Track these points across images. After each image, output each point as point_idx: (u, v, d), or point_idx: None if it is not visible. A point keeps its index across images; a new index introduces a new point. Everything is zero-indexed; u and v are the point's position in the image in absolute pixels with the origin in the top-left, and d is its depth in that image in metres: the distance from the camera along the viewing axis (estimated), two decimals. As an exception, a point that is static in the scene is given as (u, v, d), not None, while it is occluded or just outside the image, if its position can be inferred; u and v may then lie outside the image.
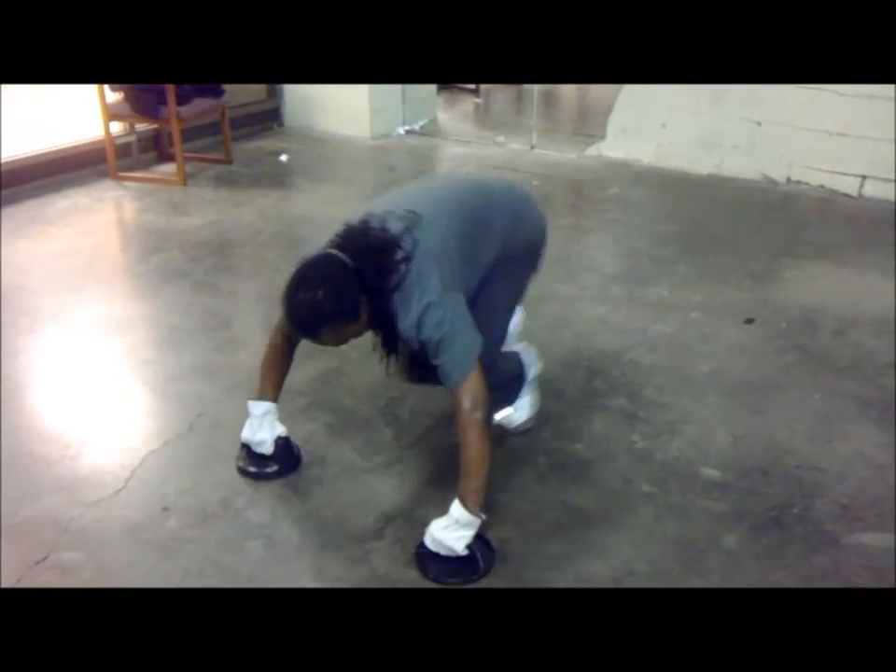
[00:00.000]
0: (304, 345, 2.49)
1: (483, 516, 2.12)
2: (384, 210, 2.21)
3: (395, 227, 2.14)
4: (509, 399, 2.68)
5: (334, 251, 2.10)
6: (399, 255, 2.09)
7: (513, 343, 2.71)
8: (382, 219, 2.17)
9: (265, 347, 2.47)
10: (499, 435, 2.69)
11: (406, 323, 2.10)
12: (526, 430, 2.71)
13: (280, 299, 2.10)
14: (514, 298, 2.54)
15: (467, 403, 2.08)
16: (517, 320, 2.70)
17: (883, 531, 2.31)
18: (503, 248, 2.36)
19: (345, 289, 2.05)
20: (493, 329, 2.40)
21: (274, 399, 2.49)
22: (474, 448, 2.09)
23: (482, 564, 2.13)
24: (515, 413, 2.70)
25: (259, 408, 2.47)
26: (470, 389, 2.09)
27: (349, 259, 2.08)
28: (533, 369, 2.72)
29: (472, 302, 2.32)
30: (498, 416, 2.65)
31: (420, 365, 2.26)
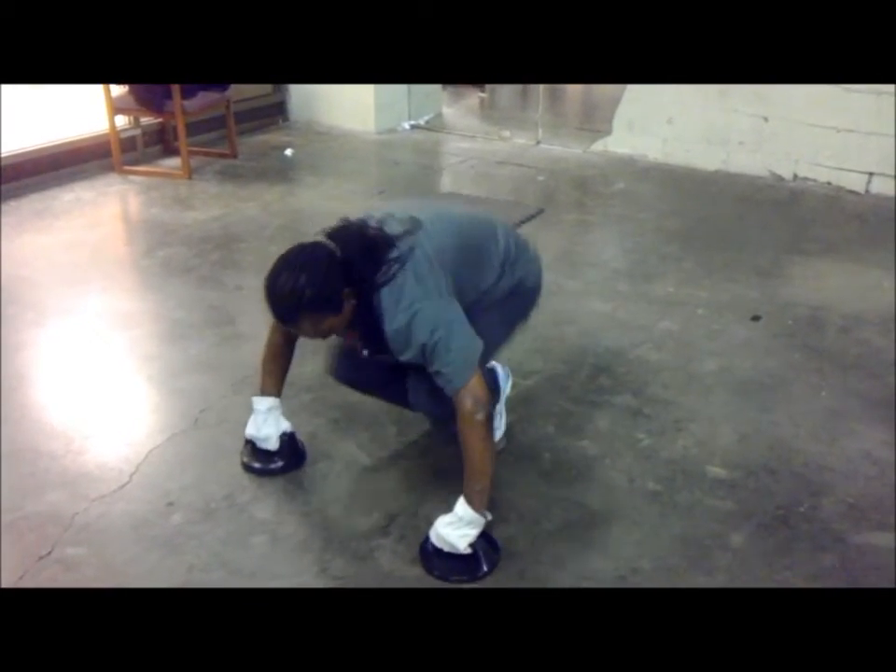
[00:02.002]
0: (310, 341, 2.49)
1: (489, 516, 2.12)
2: (384, 213, 2.19)
3: (393, 228, 2.12)
4: None
5: (323, 240, 2.08)
6: (393, 253, 2.06)
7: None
8: (380, 220, 2.15)
9: (265, 343, 2.46)
10: (503, 433, 2.68)
11: (394, 327, 2.04)
12: (498, 452, 2.44)
13: (264, 282, 2.06)
14: (505, 332, 2.43)
15: (468, 406, 2.04)
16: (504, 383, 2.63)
17: (890, 530, 2.30)
18: (498, 280, 2.29)
19: (329, 279, 2.01)
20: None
21: (278, 395, 2.48)
22: (478, 450, 2.07)
23: (484, 563, 2.13)
24: None
25: (264, 403, 2.46)
26: (471, 392, 2.05)
27: (339, 249, 2.05)
28: (507, 387, 2.65)
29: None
30: None
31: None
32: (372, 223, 2.14)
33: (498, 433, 2.58)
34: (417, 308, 2.03)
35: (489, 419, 2.12)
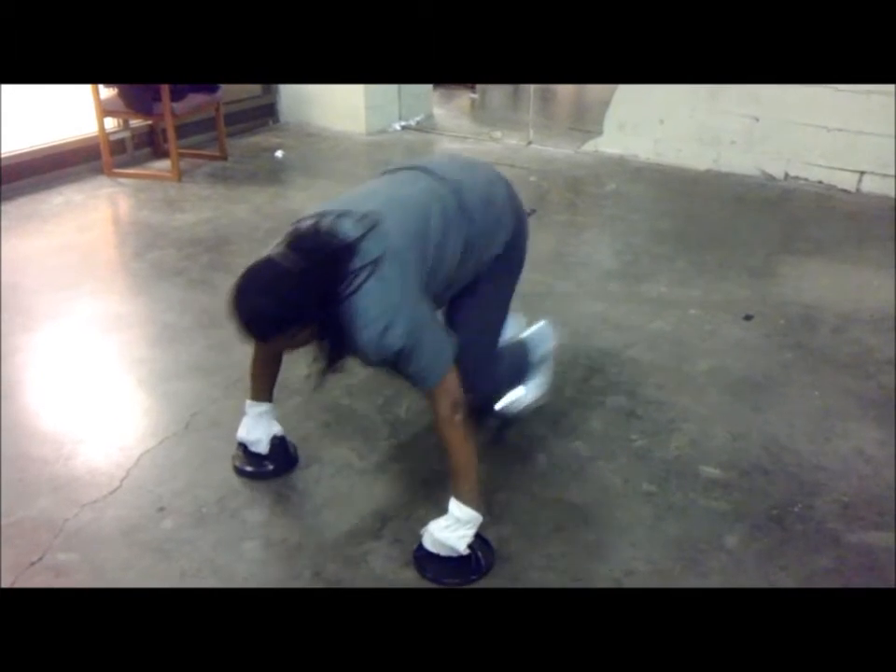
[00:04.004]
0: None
1: (481, 516, 2.11)
2: (340, 211, 2.07)
3: (350, 230, 2.01)
4: (516, 382, 2.69)
5: (277, 256, 1.98)
6: (356, 263, 1.96)
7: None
8: (335, 222, 2.03)
9: (254, 348, 2.40)
10: (498, 433, 2.68)
11: (363, 338, 1.97)
12: (538, 407, 2.74)
13: (227, 304, 2.00)
14: (504, 296, 2.45)
15: (445, 406, 2.03)
16: (517, 329, 2.70)
17: (885, 530, 2.29)
18: (481, 247, 2.25)
19: (288, 295, 1.92)
20: (487, 327, 2.39)
21: (269, 399, 2.47)
22: (460, 451, 2.06)
23: (483, 563, 2.12)
24: (524, 394, 2.72)
25: (256, 408, 2.45)
26: (446, 391, 2.03)
27: (295, 263, 1.94)
28: (543, 347, 2.73)
29: (459, 305, 2.31)
30: (508, 400, 2.67)
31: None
32: (325, 226, 2.02)
33: (537, 391, 2.74)
34: (388, 321, 1.95)
35: (467, 418, 2.07)
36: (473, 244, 2.23)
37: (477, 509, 2.09)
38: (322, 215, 2.07)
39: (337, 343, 2.02)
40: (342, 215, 2.05)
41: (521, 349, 2.68)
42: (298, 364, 2.72)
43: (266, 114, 6.32)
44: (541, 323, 2.80)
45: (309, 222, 2.06)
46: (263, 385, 2.45)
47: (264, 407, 2.45)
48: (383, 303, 1.96)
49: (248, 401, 2.46)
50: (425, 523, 2.15)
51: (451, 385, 2.04)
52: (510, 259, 2.39)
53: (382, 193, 2.21)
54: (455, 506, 2.08)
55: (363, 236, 1.99)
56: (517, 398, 2.71)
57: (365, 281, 1.95)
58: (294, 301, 1.92)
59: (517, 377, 2.70)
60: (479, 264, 2.29)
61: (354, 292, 1.95)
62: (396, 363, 2.03)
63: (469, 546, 2.10)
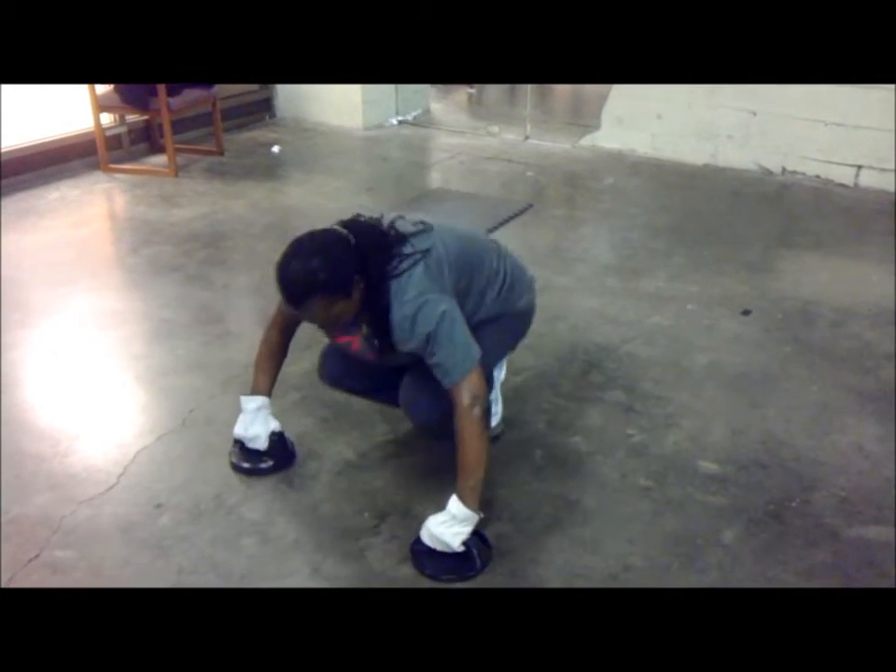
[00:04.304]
0: (300, 338, 2.47)
1: (481, 514, 2.10)
2: (395, 215, 2.23)
3: (405, 227, 2.18)
4: None
5: (337, 227, 2.12)
6: (407, 248, 2.11)
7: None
8: (392, 220, 2.20)
9: (261, 341, 2.45)
10: (500, 419, 2.67)
11: (400, 314, 2.06)
12: (495, 437, 2.56)
13: (276, 265, 2.06)
14: (502, 349, 2.51)
15: (466, 399, 2.05)
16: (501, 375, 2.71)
17: (883, 525, 2.29)
18: (496, 295, 2.33)
19: (342, 263, 2.03)
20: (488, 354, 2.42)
21: (268, 394, 2.47)
22: (474, 445, 2.06)
23: (478, 561, 2.11)
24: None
25: (252, 403, 2.44)
26: (470, 386, 2.06)
27: (352, 238, 2.08)
28: (501, 375, 2.68)
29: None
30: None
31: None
32: (384, 220, 2.19)
33: (496, 419, 2.63)
34: (426, 299, 2.06)
35: (486, 414, 2.11)
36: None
37: (476, 507, 2.08)
38: (381, 214, 2.24)
39: (378, 319, 2.10)
40: (399, 217, 2.22)
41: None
42: (296, 361, 2.73)
43: (263, 109, 6.30)
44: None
45: (367, 214, 2.23)
46: (267, 378, 2.46)
47: (261, 401, 2.45)
48: (423, 286, 2.07)
49: (244, 397, 2.46)
50: (422, 519, 2.15)
51: (475, 380, 2.08)
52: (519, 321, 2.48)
53: (433, 218, 2.35)
54: (453, 503, 2.07)
55: (415, 233, 2.17)
56: None
57: (413, 266, 2.08)
58: (344, 267, 2.03)
59: None
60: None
61: (400, 274, 2.07)
62: (425, 348, 2.08)
63: (465, 543, 2.09)
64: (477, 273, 2.29)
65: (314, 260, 2.01)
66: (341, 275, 2.02)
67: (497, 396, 2.63)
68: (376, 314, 2.11)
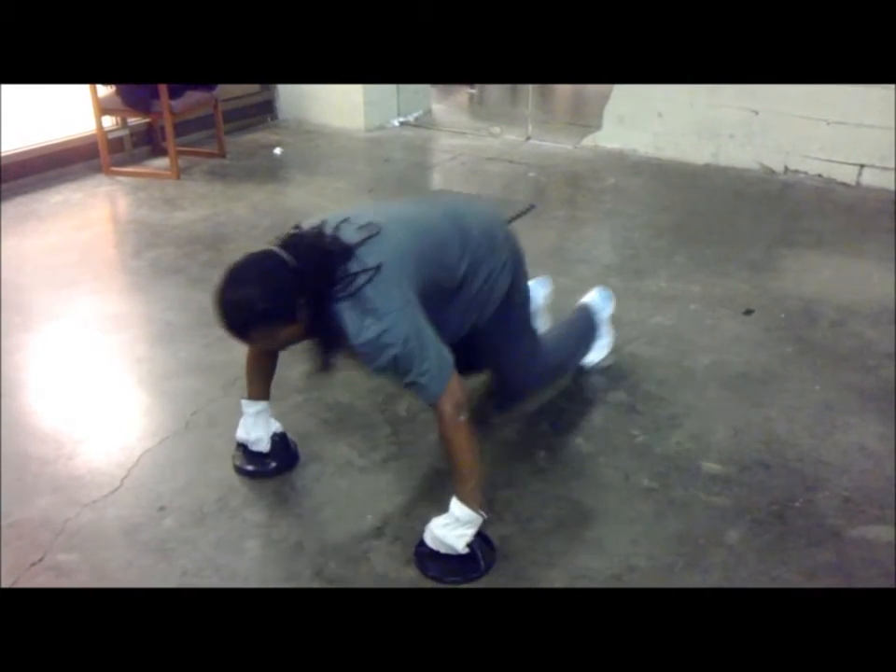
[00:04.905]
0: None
1: (485, 515, 2.10)
2: (340, 219, 2.10)
3: (350, 236, 2.03)
4: (586, 350, 2.94)
5: (275, 249, 2.01)
6: (353, 266, 1.98)
7: (541, 316, 2.91)
8: (336, 227, 2.06)
9: (246, 355, 2.42)
10: (498, 430, 2.67)
11: (363, 339, 1.96)
12: (603, 368, 2.99)
13: (213, 295, 2.00)
14: (522, 321, 2.55)
15: (450, 410, 2.01)
16: (546, 292, 3.04)
17: (886, 524, 2.29)
18: (468, 275, 2.26)
19: (281, 290, 1.94)
20: (520, 346, 2.53)
21: (266, 397, 2.46)
22: (465, 451, 2.04)
23: (482, 562, 2.11)
24: (591, 355, 2.96)
25: (253, 406, 2.44)
26: (451, 396, 2.01)
27: (292, 258, 1.97)
28: (607, 310, 2.99)
29: (482, 338, 2.40)
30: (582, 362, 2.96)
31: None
32: (328, 231, 2.05)
33: (604, 351, 2.99)
34: (388, 322, 1.95)
35: (470, 417, 2.06)
36: (475, 271, 2.26)
37: (478, 509, 2.08)
38: (324, 220, 2.11)
39: (327, 344, 2.04)
40: (344, 220, 2.08)
41: (585, 316, 2.94)
42: (297, 362, 2.72)
43: (264, 111, 6.31)
44: (601, 289, 3.06)
45: (309, 224, 2.09)
46: (259, 384, 2.44)
47: (261, 405, 2.45)
48: (380, 307, 1.96)
49: (244, 401, 2.46)
50: (426, 521, 2.15)
51: (454, 387, 2.03)
52: (516, 295, 2.45)
53: (386, 210, 2.26)
54: (455, 505, 2.07)
55: (362, 242, 2.02)
56: (588, 360, 2.97)
57: (362, 286, 1.96)
58: (284, 296, 1.94)
59: (585, 345, 2.93)
60: (486, 299, 2.32)
61: (349, 295, 1.96)
62: (396, 369, 2.02)
63: (469, 545, 2.09)
64: (440, 261, 2.17)
65: (251, 290, 1.93)
66: (280, 302, 1.95)
67: (607, 329, 2.99)
68: (326, 336, 2.03)
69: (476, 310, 2.32)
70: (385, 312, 1.96)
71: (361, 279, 1.96)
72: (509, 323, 2.45)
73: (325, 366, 2.08)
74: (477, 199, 2.70)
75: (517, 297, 2.45)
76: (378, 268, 1.98)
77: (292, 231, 2.08)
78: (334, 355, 2.07)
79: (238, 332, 2.02)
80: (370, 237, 2.03)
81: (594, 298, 3.01)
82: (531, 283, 2.72)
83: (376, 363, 2.01)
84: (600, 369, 3.00)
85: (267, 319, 1.97)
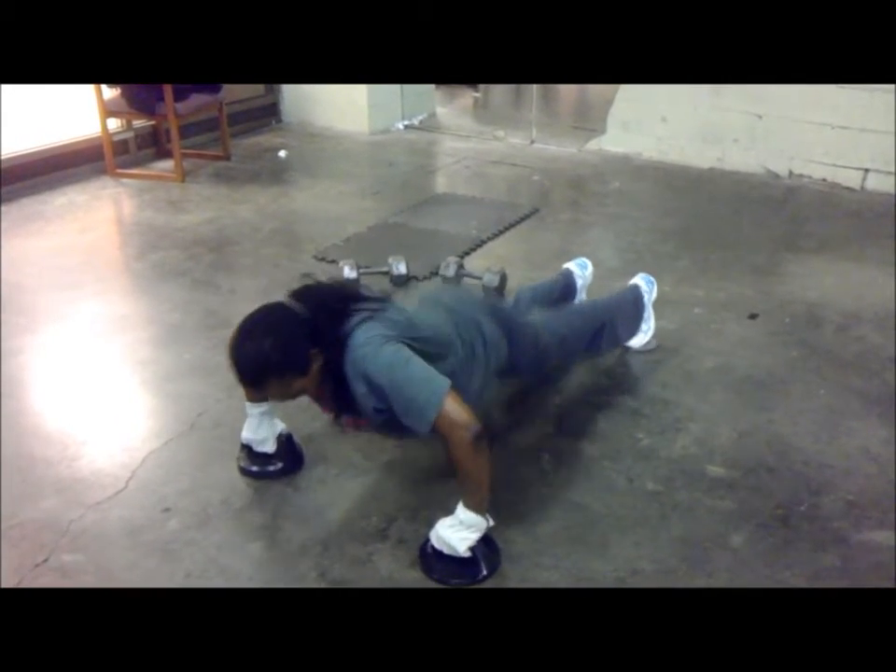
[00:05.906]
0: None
1: (491, 521, 2.10)
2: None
3: (364, 291, 2.21)
4: (632, 333, 3.08)
5: (287, 301, 2.09)
6: (361, 305, 2.09)
7: (581, 294, 3.20)
8: (353, 283, 2.25)
9: None
10: (503, 434, 2.67)
11: (351, 372, 2.02)
12: (653, 350, 3.14)
13: (229, 345, 2.08)
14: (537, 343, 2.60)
15: (448, 431, 1.98)
16: (586, 272, 3.26)
17: (890, 528, 2.28)
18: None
19: (294, 341, 2.00)
20: (549, 356, 2.65)
21: (267, 399, 2.46)
22: (472, 467, 2.01)
23: (483, 567, 2.11)
24: (636, 339, 3.10)
25: (258, 407, 2.45)
26: (449, 417, 1.97)
27: (304, 309, 2.05)
28: (652, 293, 3.12)
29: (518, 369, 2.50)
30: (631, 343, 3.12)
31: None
32: (335, 279, 2.26)
33: (649, 334, 3.13)
34: (367, 351, 2.00)
35: (476, 432, 1.99)
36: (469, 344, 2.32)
37: (484, 514, 2.07)
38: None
39: (339, 388, 2.08)
40: (361, 286, 2.30)
41: (635, 296, 3.08)
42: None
43: (269, 114, 6.32)
44: (645, 274, 3.22)
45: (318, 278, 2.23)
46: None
47: (266, 406, 2.45)
48: (370, 335, 2.03)
49: (249, 402, 2.46)
50: (431, 523, 2.15)
51: (451, 407, 1.97)
52: (520, 340, 2.51)
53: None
54: (460, 509, 2.07)
55: (373, 297, 2.18)
56: (633, 343, 3.12)
57: (362, 321, 2.05)
58: (297, 345, 2.01)
59: (633, 325, 3.07)
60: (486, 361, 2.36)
61: (351, 332, 2.03)
62: (387, 399, 2.02)
63: (472, 549, 2.08)
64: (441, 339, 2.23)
65: (265, 342, 1.99)
66: (293, 354, 2.00)
67: (649, 314, 3.13)
68: (337, 385, 2.08)
69: (480, 372, 2.34)
70: (367, 343, 2.02)
71: (360, 316, 2.07)
72: (528, 357, 2.54)
73: (338, 418, 2.21)
74: (466, 291, 2.80)
75: (521, 341, 2.50)
76: (377, 310, 2.10)
77: (303, 282, 2.17)
78: (348, 402, 2.12)
79: (253, 383, 2.11)
80: (379, 298, 2.20)
81: (640, 281, 3.16)
82: (569, 264, 3.24)
83: (368, 400, 2.05)
84: (638, 351, 3.15)
85: (280, 371, 2.02)
